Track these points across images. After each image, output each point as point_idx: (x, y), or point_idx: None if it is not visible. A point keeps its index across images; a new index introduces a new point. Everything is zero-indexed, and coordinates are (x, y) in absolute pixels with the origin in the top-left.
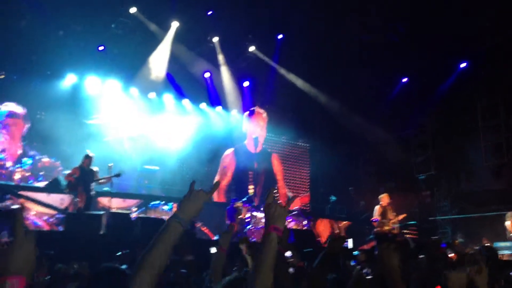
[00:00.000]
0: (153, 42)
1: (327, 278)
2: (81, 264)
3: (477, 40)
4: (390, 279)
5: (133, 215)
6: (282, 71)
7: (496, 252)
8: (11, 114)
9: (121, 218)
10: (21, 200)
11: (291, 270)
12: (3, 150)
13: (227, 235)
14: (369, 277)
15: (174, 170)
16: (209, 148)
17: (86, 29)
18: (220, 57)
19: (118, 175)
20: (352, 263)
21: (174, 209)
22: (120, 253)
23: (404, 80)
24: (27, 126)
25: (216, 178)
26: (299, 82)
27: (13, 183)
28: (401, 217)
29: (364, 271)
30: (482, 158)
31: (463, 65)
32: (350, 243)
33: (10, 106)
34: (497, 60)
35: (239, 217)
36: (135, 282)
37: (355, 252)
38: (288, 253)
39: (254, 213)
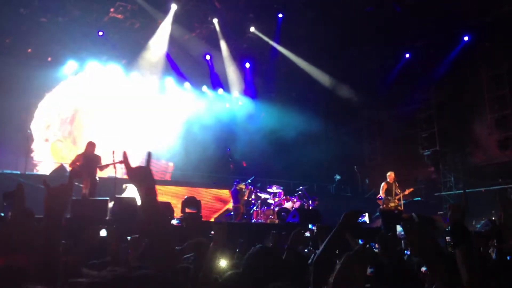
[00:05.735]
0: (153, 25)
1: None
2: None
3: (481, 12)
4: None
5: None
6: (283, 51)
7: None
8: None
9: (127, 204)
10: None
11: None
12: None
13: None
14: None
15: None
16: (212, 130)
17: (85, 14)
18: (221, 39)
19: (122, 162)
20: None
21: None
22: None
23: (407, 56)
24: None
25: None
26: (300, 62)
27: (18, 172)
28: (407, 191)
29: None
30: (487, 131)
31: (466, 38)
32: (366, 218)
33: None
34: (501, 31)
35: (243, 198)
36: None
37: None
38: None
39: (259, 194)
